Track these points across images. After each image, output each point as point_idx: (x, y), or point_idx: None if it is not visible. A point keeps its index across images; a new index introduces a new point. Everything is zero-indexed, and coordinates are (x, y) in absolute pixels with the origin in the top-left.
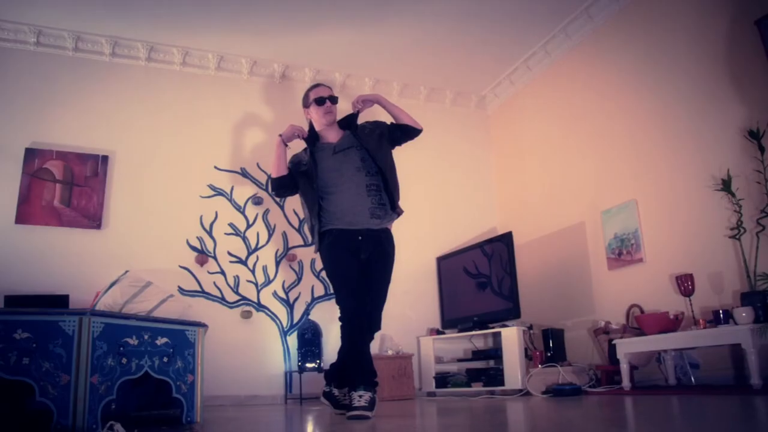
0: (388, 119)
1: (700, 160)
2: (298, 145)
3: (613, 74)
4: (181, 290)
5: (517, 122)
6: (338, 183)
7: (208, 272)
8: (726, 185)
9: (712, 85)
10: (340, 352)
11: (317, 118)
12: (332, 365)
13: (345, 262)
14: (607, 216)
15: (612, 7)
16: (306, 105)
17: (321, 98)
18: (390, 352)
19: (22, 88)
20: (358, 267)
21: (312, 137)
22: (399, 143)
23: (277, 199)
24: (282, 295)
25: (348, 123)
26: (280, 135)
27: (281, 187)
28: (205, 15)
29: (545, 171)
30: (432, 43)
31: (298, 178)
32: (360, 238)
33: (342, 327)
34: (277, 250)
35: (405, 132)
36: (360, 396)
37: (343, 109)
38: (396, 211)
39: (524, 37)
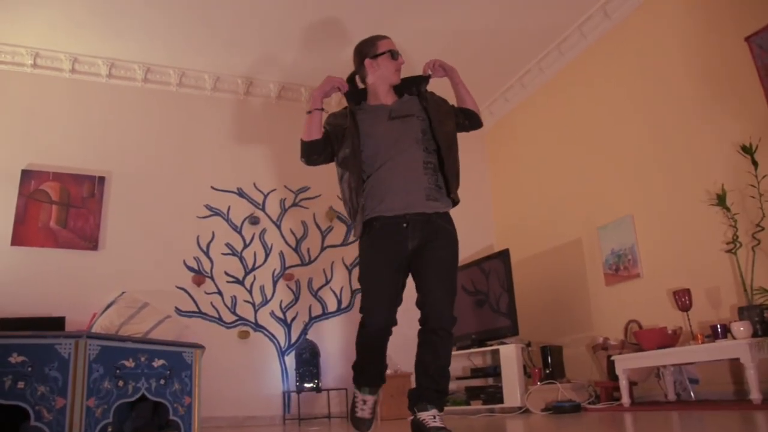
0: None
1: (694, 174)
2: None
3: (607, 91)
4: (178, 311)
5: (512, 139)
6: (391, 155)
7: (205, 292)
8: (721, 200)
9: (704, 100)
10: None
11: (385, 74)
12: (410, 391)
13: (381, 275)
14: (604, 231)
15: (604, 25)
16: (372, 55)
17: (396, 52)
18: (388, 371)
19: (18, 110)
20: (398, 276)
21: (355, 95)
22: (459, 131)
23: (274, 219)
24: (279, 314)
25: (411, 87)
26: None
27: (312, 152)
28: (201, 36)
29: (541, 188)
30: (426, 61)
31: (335, 145)
32: (405, 225)
33: (357, 336)
34: (275, 269)
35: (471, 120)
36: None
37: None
38: (452, 197)
39: (518, 54)
